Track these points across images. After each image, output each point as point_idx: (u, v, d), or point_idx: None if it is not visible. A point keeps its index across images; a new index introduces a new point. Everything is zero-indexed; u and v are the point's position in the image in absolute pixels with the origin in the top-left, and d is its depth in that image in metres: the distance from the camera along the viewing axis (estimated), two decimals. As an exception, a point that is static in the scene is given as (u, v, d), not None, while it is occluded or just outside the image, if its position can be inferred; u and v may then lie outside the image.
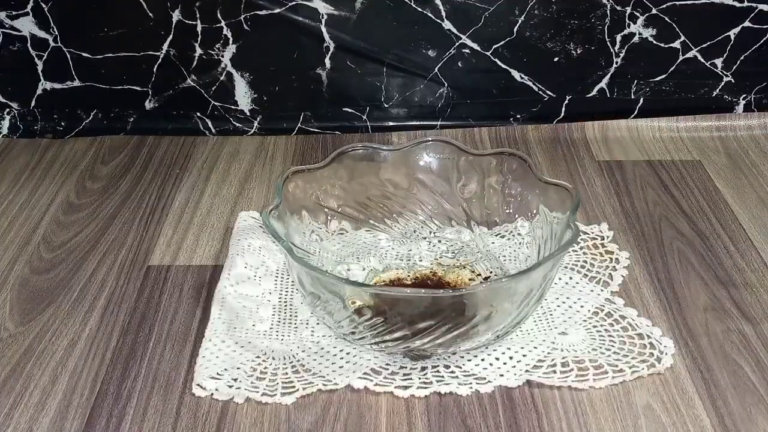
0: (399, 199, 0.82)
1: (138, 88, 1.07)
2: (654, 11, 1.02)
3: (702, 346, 0.71)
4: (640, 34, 1.04)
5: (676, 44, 1.05)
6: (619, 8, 1.02)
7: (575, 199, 0.70)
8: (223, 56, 1.05)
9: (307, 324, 0.73)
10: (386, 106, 1.09)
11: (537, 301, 0.67)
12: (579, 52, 1.05)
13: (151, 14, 1.03)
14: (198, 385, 0.67)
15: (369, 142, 0.81)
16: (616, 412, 0.64)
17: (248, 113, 1.09)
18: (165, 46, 1.04)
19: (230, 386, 0.66)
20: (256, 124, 1.09)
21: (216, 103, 1.08)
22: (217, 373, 0.67)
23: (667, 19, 1.03)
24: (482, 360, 0.69)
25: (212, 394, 0.66)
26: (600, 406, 0.65)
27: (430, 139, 0.82)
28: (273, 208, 0.71)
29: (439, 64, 1.06)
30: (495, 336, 0.67)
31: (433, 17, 1.03)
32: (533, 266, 0.64)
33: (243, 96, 1.08)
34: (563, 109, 1.09)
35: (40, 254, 0.85)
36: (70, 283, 0.80)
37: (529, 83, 1.07)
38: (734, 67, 1.06)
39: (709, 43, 1.05)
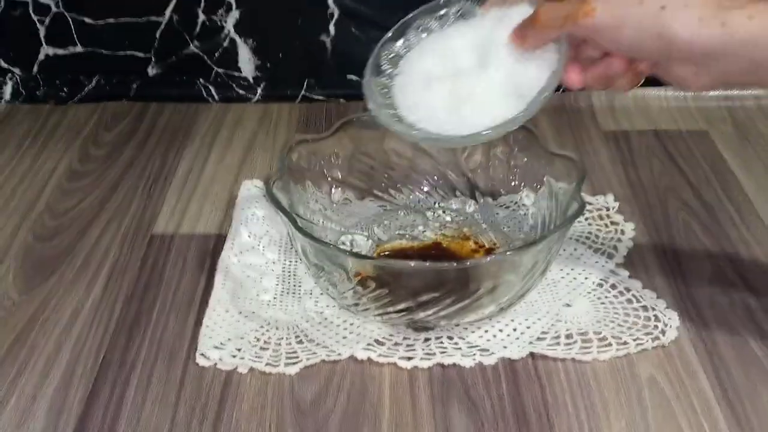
0: (403, 170, 0.82)
1: (140, 54, 1.06)
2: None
3: (707, 319, 0.70)
4: None
5: (685, 12, 1.03)
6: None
7: (581, 172, 0.69)
8: (226, 22, 1.04)
9: (311, 294, 0.73)
10: (391, 73, 1.08)
11: (542, 273, 0.67)
12: (586, 19, 1.04)
13: (153, -21, 1.01)
14: (201, 354, 0.67)
15: (374, 112, 0.81)
16: (620, 384, 0.64)
17: (252, 80, 1.08)
18: (168, 12, 1.03)
19: (234, 356, 0.66)
20: (259, 91, 1.09)
21: (219, 70, 1.07)
22: (221, 343, 0.67)
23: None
24: (486, 332, 0.68)
25: (216, 363, 0.66)
26: (603, 378, 0.65)
27: (435, 108, 0.81)
28: (276, 178, 0.70)
29: (445, 32, 1.05)
30: (499, 308, 0.67)
31: (439, -17, 1.02)
32: (538, 239, 0.64)
33: (246, 63, 1.07)
34: (570, 77, 1.07)
35: (44, 222, 0.85)
36: (74, 251, 0.80)
37: (536, 51, 1.06)
38: (743, 36, 1.05)
39: (718, 11, 1.03)
